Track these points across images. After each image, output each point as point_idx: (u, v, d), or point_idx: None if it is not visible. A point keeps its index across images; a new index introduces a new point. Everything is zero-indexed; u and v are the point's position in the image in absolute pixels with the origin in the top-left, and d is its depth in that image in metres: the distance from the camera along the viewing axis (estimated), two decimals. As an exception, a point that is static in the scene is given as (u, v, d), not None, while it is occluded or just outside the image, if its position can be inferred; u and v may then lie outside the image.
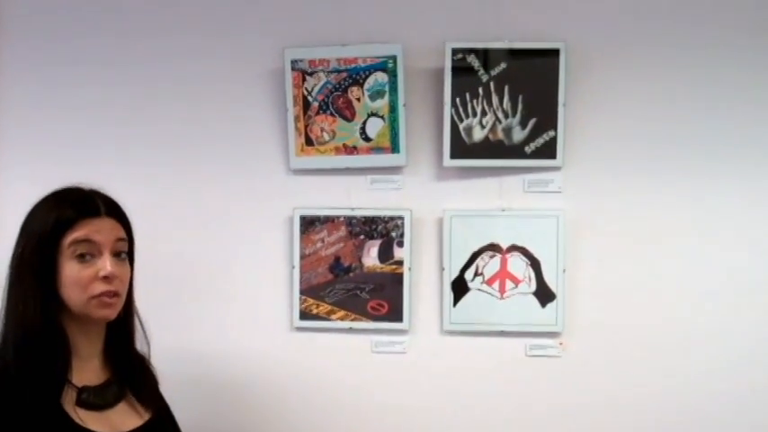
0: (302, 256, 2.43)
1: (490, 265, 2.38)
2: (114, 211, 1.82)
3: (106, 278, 1.76)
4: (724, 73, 2.37)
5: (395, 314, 2.40)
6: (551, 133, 2.36)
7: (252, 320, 2.48)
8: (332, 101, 2.41)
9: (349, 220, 2.41)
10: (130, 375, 1.89)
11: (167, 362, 2.00)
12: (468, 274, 2.39)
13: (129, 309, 1.88)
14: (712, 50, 2.36)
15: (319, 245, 2.42)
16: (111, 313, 1.80)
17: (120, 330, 1.88)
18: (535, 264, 2.38)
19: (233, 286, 2.48)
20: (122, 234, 1.82)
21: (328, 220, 2.42)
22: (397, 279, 2.39)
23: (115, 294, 1.78)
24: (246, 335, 2.47)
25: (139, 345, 1.93)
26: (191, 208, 2.49)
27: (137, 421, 1.85)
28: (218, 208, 2.49)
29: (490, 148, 2.37)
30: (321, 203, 2.44)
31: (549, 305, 2.37)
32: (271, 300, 2.48)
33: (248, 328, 2.48)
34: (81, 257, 1.76)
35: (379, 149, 2.40)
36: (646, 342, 2.38)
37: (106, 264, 1.76)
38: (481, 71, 2.36)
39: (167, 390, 1.99)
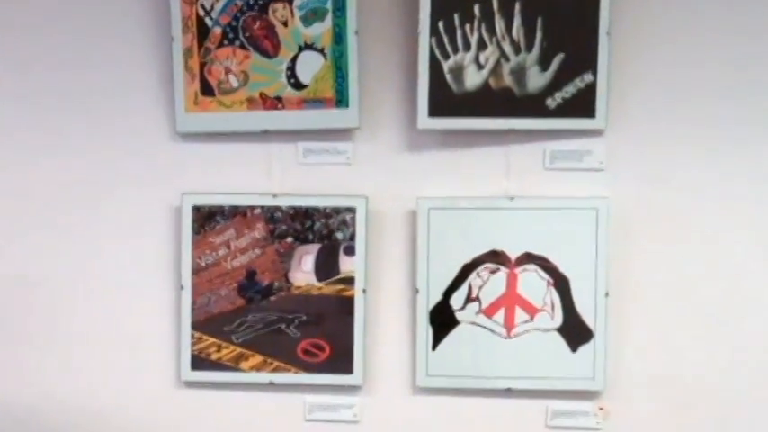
0: (196, 270, 2.21)
1: (491, 284, 2.15)
2: None
3: None
4: None
5: (341, 361, 2.19)
6: (588, 77, 2.11)
7: (118, 370, 2.27)
8: (243, 25, 2.18)
9: (269, 214, 2.19)
10: None
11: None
12: (457, 299, 2.17)
13: None
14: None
15: (223, 251, 2.20)
16: None
17: None
18: (561, 283, 2.15)
19: (89, 318, 2.27)
20: None
21: (237, 214, 2.19)
22: (345, 306, 2.18)
23: None
24: (110, 392, 2.27)
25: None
26: (23, 196, 2.27)
27: None
28: (63, 196, 2.27)
29: (492, 101, 2.14)
30: (226, 186, 2.21)
31: (583, 348, 2.14)
32: (147, 338, 2.26)
33: (113, 383, 2.27)
34: None
35: (316, 102, 2.18)
36: (730, 406, 2.15)
37: None
38: (479, -20, 2.19)
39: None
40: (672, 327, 2.17)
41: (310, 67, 2.17)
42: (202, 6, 2.16)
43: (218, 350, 2.21)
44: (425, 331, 2.18)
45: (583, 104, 2.12)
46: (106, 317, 2.27)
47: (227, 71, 2.20)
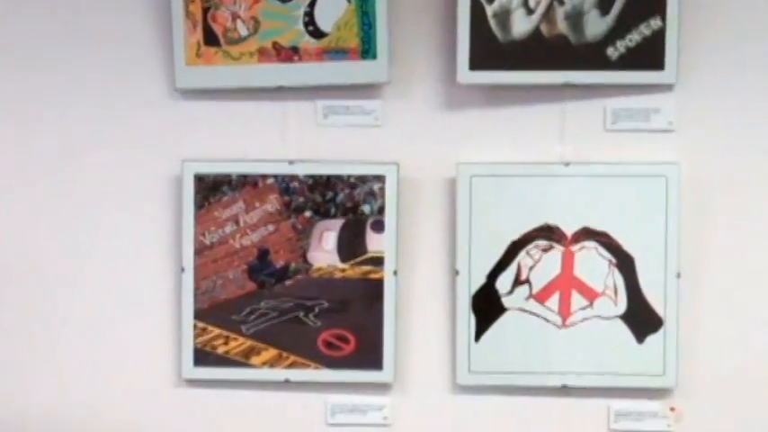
0: (199, 249, 2.11)
1: (543, 265, 2.06)
2: None
3: None
4: None
5: (368, 356, 2.08)
6: (655, 23, 2.02)
7: (110, 367, 2.15)
8: (253, -36, 2.19)
9: (285, 184, 2.10)
10: None
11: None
12: (503, 283, 2.06)
13: None
14: None
15: (230, 228, 2.11)
16: None
17: None
18: (625, 263, 2.05)
19: (75, 307, 2.14)
20: None
21: (246, 184, 2.11)
22: (373, 291, 2.09)
23: None
24: (101, 393, 2.15)
25: None
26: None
27: None
28: (43, 165, 2.14)
29: (543, 51, 2.04)
30: (233, 152, 2.10)
31: (651, 339, 2.04)
32: (142, 329, 2.14)
33: (103, 382, 2.15)
34: None
35: (338, 53, 2.08)
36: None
37: None
38: None
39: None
40: (754, 313, 2.05)
41: (332, 11, 2.06)
42: (205, -59, 2.11)
43: (226, 343, 2.12)
44: (467, 320, 2.08)
45: (649, 54, 2.01)
46: (95, 305, 2.15)
47: (235, 17, 2.10)
